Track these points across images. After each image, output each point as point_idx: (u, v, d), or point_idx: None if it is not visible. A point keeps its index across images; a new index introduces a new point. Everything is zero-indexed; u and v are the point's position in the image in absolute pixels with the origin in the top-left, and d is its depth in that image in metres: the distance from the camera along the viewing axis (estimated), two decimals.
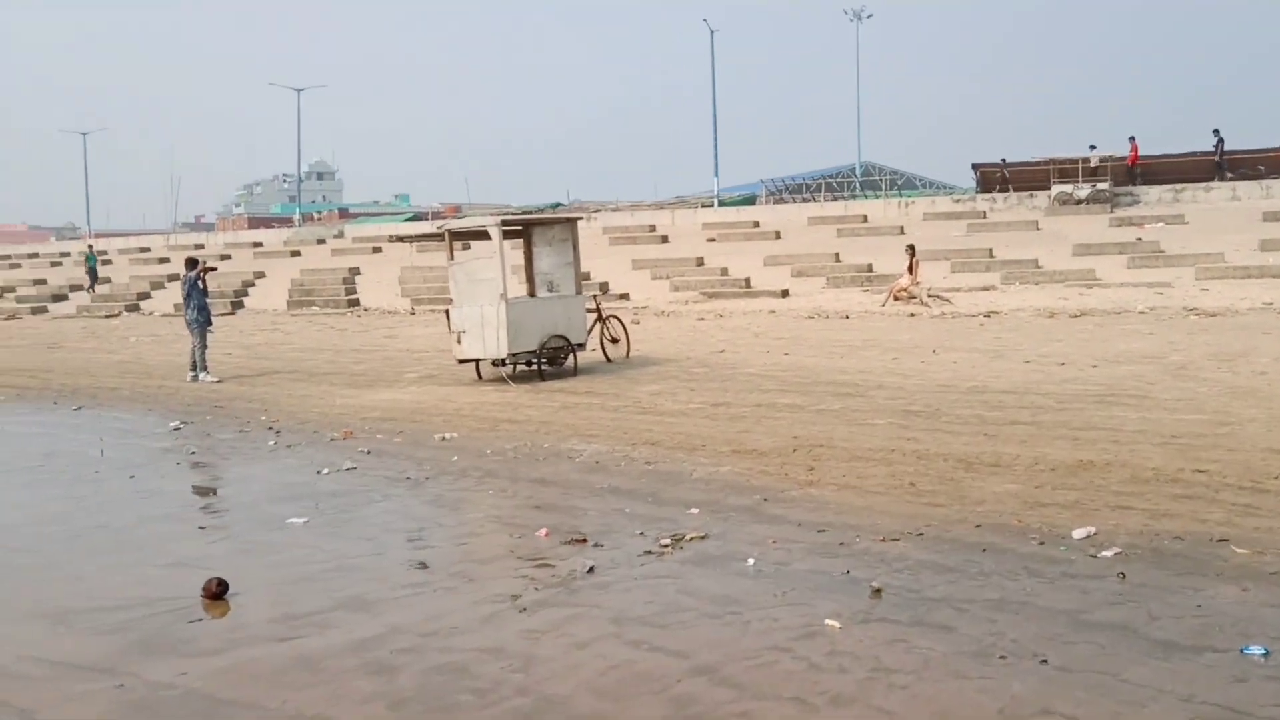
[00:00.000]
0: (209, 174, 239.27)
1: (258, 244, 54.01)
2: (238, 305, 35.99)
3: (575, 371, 15.44)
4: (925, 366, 14.47)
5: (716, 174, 58.67)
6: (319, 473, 9.54)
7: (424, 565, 6.59)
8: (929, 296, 24.05)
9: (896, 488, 8.04)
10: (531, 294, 16.34)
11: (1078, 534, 6.59)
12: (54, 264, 54.41)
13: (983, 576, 5.93)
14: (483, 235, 14.93)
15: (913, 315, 22.38)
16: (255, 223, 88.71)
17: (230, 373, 17.79)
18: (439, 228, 16.50)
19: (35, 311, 38.99)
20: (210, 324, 17.12)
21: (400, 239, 19.10)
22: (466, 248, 19.83)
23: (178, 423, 12.71)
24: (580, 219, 16.54)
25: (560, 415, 12.08)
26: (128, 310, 37.24)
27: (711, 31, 57.92)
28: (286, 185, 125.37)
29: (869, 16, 68.49)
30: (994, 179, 43.40)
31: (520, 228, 16.36)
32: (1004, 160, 43.35)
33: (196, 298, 16.89)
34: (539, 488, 8.62)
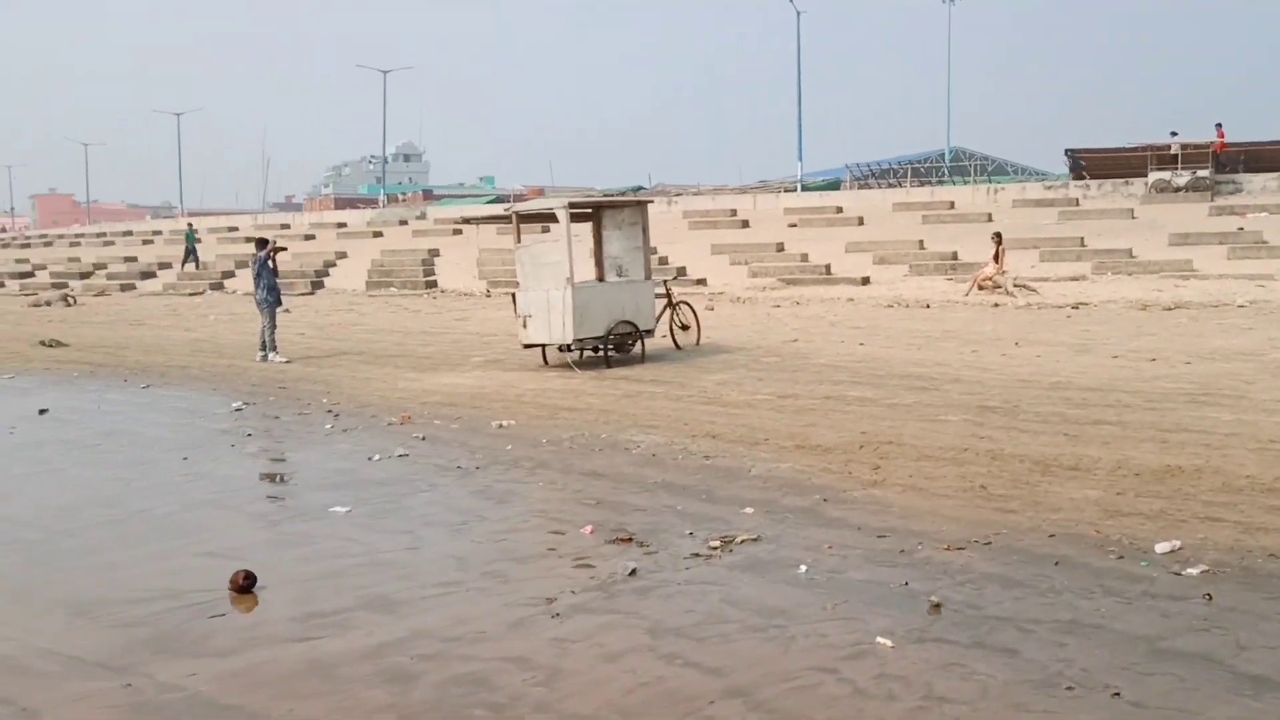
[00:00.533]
0: (301, 156, 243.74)
1: (341, 225, 54.58)
2: (318, 285, 36.35)
3: (643, 359, 15.11)
4: (1006, 360, 13.84)
5: (800, 158, 57.68)
6: (370, 459, 9.35)
7: (460, 562, 6.31)
8: (1015, 286, 23.22)
9: (966, 490, 7.56)
10: (600, 278, 16.03)
11: (1161, 548, 6.07)
12: (145, 242, 55.70)
13: (1053, 594, 5.46)
14: (551, 218, 14.63)
15: (997, 305, 21.61)
16: (341, 203, 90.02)
17: (300, 353, 17.81)
18: (506, 209, 16.28)
19: (124, 288, 39.86)
20: (280, 304, 17.14)
21: (468, 221, 18.93)
22: (547, 230, 19.61)
23: (240, 403, 12.67)
24: (651, 202, 16.17)
25: (622, 404, 11.76)
26: (212, 288, 37.87)
27: (798, 12, 56.95)
28: (373, 167, 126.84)
29: None
30: (1088, 166, 42.01)
31: (590, 210, 16.05)
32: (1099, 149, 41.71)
33: (266, 277, 16.91)
34: (590, 481, 8.30)
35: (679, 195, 54.00)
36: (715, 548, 6.43)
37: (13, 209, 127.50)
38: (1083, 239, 29.85)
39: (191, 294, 36.02)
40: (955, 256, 29.55)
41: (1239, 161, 39.85)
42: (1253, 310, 18.85)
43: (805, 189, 53.60)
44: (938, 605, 5.32)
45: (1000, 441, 9.06)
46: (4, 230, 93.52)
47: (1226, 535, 6.29)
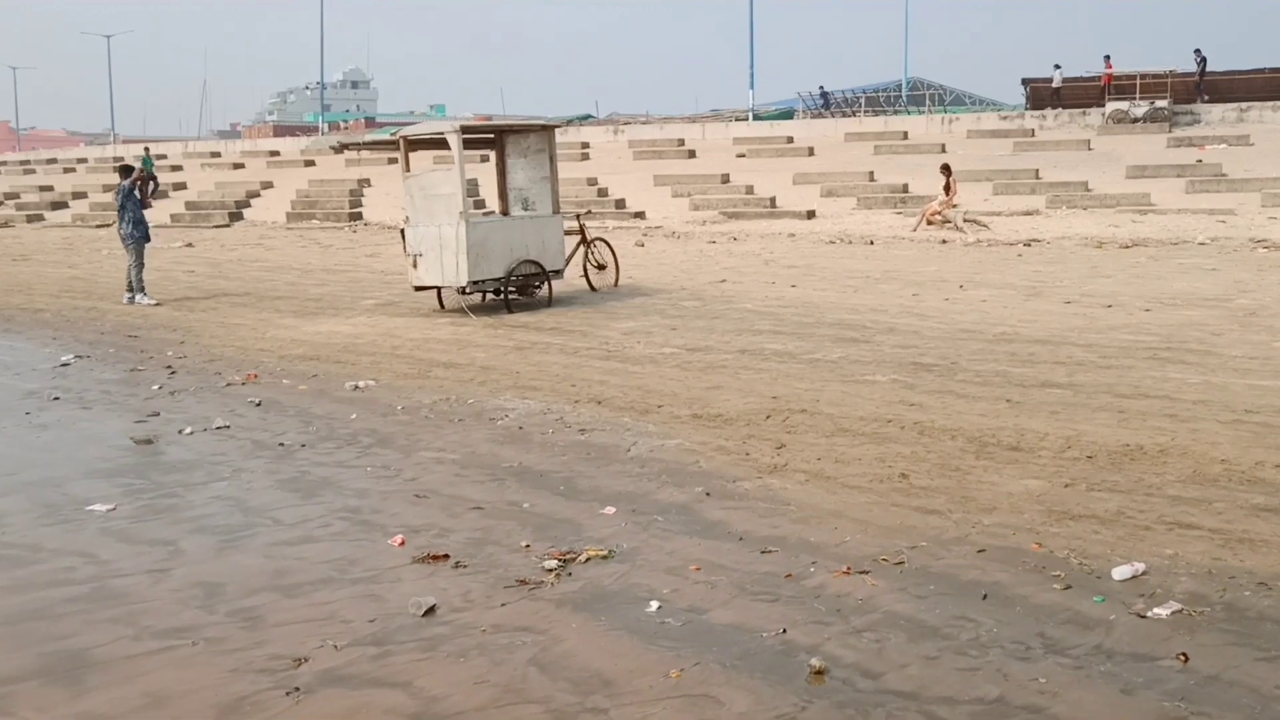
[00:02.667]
0: (247, 82, 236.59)
1: (274, 153, 52.05)
2: (236, 217, 34.26)
3: (549, 303, 13.56)
4: (948, 306, 12.43)
5: (752, 86, 55.73)
6: (180, 432, 7.79)
7: (211, 592, 4.81)
8: (964, 221, 21.81)
9: (883, 480, 6.14)
10: (505, 212, 14.40)
11: (1120, 573, 4.68)
12: (67, 170, 52.95)
13: (978, 650, 4.05)
14: (444, 144, 12.93)
15: (944, 242, 20.22)
16: (281, 131, 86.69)
17: (179, 294, 16.11)
18: (392, 134, 14.56)
19: (31, 219, 37.51)
20: (149, 239, 15.34)
21: (347, 147, 17.12)
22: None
23: (71, 357, 11.01)
24: (558, 126, 14.51)
25: (509, 359, 10.25)
26: None
27: None
28: (319, 94, 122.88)
29: None
30: (1044, 95, 40.52)
31: (492, 136, 14.33)
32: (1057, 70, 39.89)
33: (132, 209, 15.08)
34: (432, 465, 6.80)
35: (626, 124, 52.04)
36: (551, 569, 4.97)
37: None
38: (1037, 171, 28.48)
39: (98, 225, 33.79)
40: (906, 189, 28.09)
41: (1215, 92, 38.74)
42: (1214, 249, 17.57)
43: (757, 118, 51.75)
44: (820, 671, 3.90)
45: (931, 410, 7.65)
46: None
47: (1202, 551, 4.91)
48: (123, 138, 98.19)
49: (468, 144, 14.40)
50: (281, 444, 7.38)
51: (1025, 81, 42.88)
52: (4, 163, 63.15)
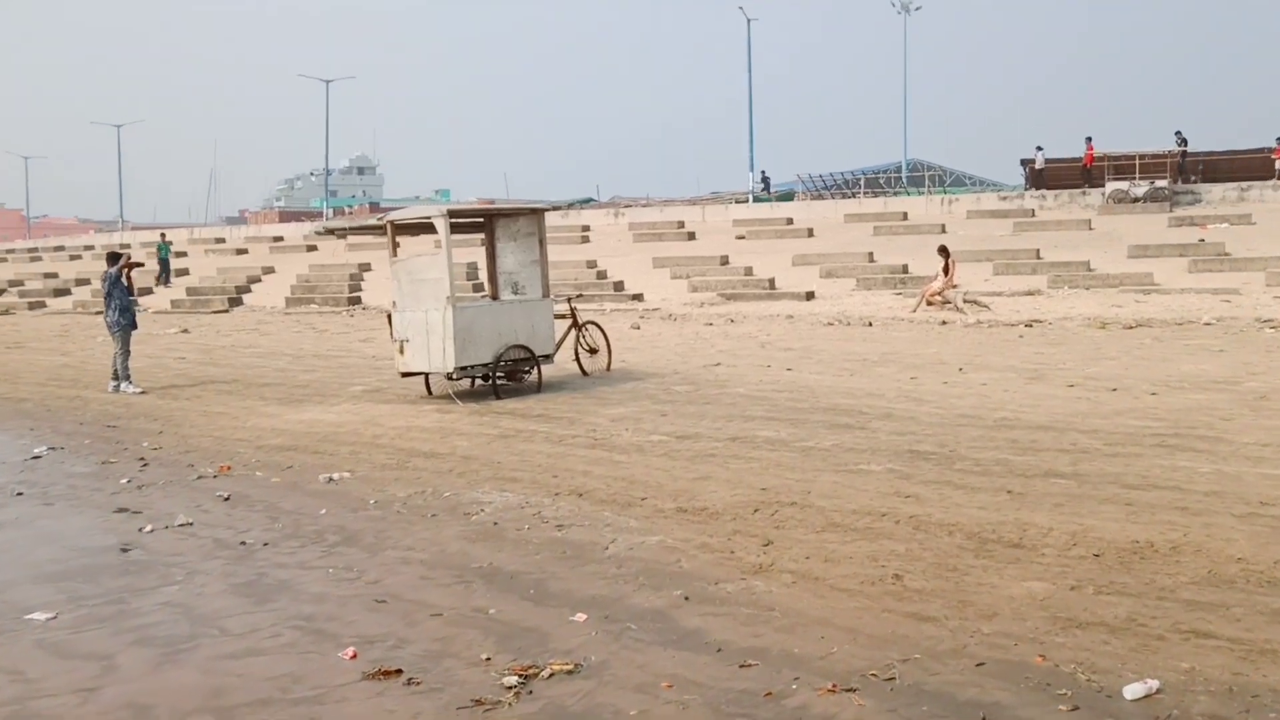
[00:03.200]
0: (258, 168, 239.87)
1: (278, 238, 52.30)
2: (235, 303, 34.17)
3: (539, 388, 13.24)
4: (947, 389, 12.09)
5: (752, 168, 56.22)
6: (141, 530, 7.42)
7: (138, 716, 4.41)
8: (965, 302, 21.57)
9: (875, 582, 5.74)
10: (495, 296, 14.16)
11: (1131, 692, 4.27)
12: (73, 257, 53.24)
13: None
14: (432, 229, 12.74)
15: (944, 323, 19.94)
16: (287, 217, 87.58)
17: (166, 381, 15.82)
18: (379, 219, 14.39)
19: (33, 306, 37.50)
20: (135, 326, 15.11)
21: (331, 232, 16.96)
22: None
23: (44, 448, 10.69)
24: (548, 209, 14.33)
25: (492, 448, 9.90)
26: None
27: (749, 20, 55.60)
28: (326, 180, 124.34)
29: (917, 8, 65.51)
30: (1042, 176, 40.67)
31: (481, 220, 14.15)
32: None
33: (119, 297, 14.89)
34: (397, 566, 6.41)
35: (627, 207, 52.29)
36: (510, 687, 4.56)
37: None
38: (1038, 251, 28.39)
39: (96, 312, 33.68)
40: (905, 270, 27.98)
41: (1197, 172, 38.98)
42: (1220, 329, 17.26)
43: (757, 200, 52.00)
44: None
45: (928, 503, 7.27)
46: None
47: (1221, 665, 4.51)
48: (132, 225, 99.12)
49: (457, 228, 14.25)
50: (243, 542, 7.01)
51: (1024, 162, 43.11)
52: (12, 250, 63.60)
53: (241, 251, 46.95)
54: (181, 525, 7.49)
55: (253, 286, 37.06)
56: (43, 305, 37.97)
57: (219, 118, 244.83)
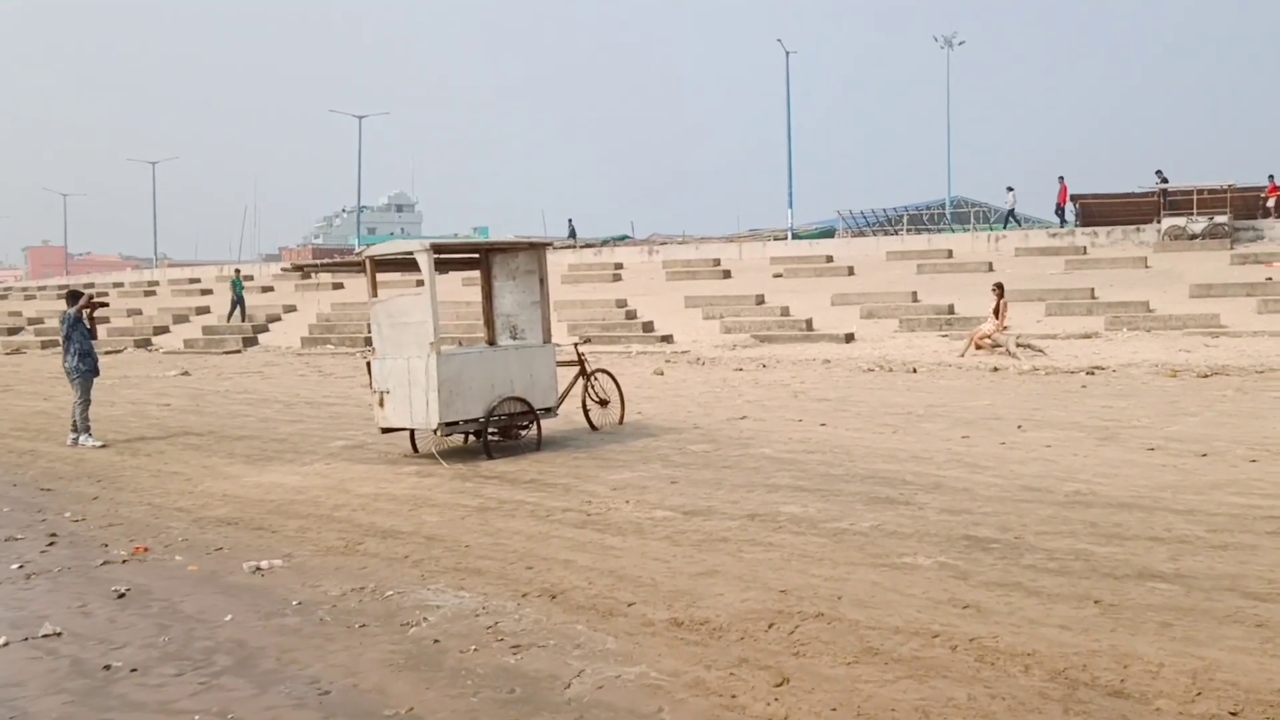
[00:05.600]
0: (298, 206, 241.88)
1: (306, 276, 51.34)
2: (250, 343, 33.04)
3: (538, 446, 11.69)
4: (1006, 452, 10.40)
5: (791, 204, 54.62)
6: None
7: None
8: (1017, 346, 19.81)
9: None
10: (491, 341, 12.66)
11: None
12: (100, 294, 52.62)
13: None
14: (414, 265, 11.27)
15: (996, 370, 18.20)
16: (321, 254, 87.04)
17: (136, 432, 14.45)
18: (357, 254, 12.98)
19: (46, 346, 36.57)
20: (97, 373, 13.73)
21: (300, 269, 15.55)
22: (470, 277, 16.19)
23: None
24: (549, 245, 12.84)
25: (464, 524, 8.34)
26: (136, 345, 34.62)
27: (787, 53, 54.28)
28: (363, 216, 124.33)
29: (961, 43, 63.99)
30: (1093, 212, 38.95)
31: (476, 256, 12.66)
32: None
33: (79, 340, 13.51)
34: (287, 712, 4.84)
35: (662, 244, 50.88)
36: None
37: None
38: (1093, 290, 26.62)
39: (111, 351, 32.68)
40: (951, 310, 26.31)
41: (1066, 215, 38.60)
42: None
43: (797, 237, 50.44)
44: None
45: (993, 616, 5.61)
46: (3, 283, 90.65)
47: None
48: (169, 261, 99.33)
49: (451, 264, 12.81)
50: (107, 667, 5.46)
51: (1074, 198, 41.23)
52: (43, 288, 63.26)
53: (267, 289, 46.01)
54: (46, 636, 5.97)
55: (271, 325, 36.01)
56: (55, 344, 37.00)
57: (258, 155, 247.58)
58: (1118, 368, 17.61)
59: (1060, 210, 39.40)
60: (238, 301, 36.92)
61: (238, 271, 42.30)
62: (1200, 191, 36.49)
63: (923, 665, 5.02)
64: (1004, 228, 42.15)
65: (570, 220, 59.70)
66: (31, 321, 42.41)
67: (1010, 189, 42.88)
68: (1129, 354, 19.21)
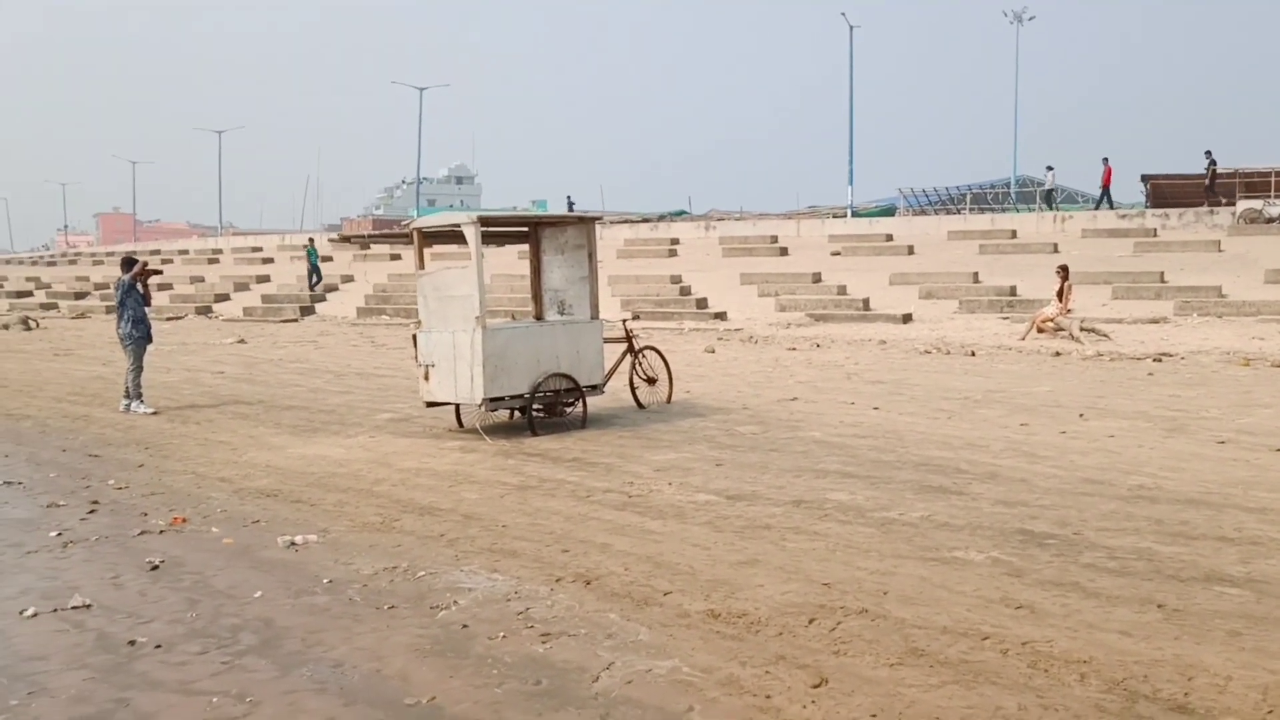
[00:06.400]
0: (362, 177, 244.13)
1: (365, 247, 51.66)
2: (308, 311, 33.25)
3: (584, 423, 11.50)
4: (1067, 442, 10.02)
5: (851, 181, 53.86)
6: (22, 613, 5.84)
7: None
8: (1081, 330, 19.24)
9: None
10: (539, 316, 12.48)
11: None
12: (165, 261, 53.36)
13: None
14: (463, 238, 11.10)
15: (1058, 354, 17.69)
16: (381, 225, 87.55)
17: (188, 400, 14.51)
18: (401, 225, 12.83)
19: (110, 311, 37.08)
20: (150, 340, 13.78)
21: (347, 239, 15.47)
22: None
23: (0, 482, 9.28)
24: (598, 219, 12.57)
25: (503, 503, 8.17)
26: (197, 312, 35.01)
27: (851, 27, 53.35)
28: (423, 188, 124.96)
29: (1031, 19, 62.52)
30: (1167, 192, 37.86)
31: (525, 230, 12.47)
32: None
33: (133, 307, 13.57)
34: (306, 698, 4.69)
35: (720, 220, 50.42)
36: None
37: (66, 226, 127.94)
38: (1163, 274, 25.78)
39: (170, 318, 33.10)
40: (1013, 292, 25.66)
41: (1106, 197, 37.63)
42: None
43: (856, 215, 49.67)
44: None
45: (1048, 619, 5.31)
46: (75, 249, 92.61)
47: None
48: (234, 229, 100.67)
49: (500, 237, 12.63)
50: (132, 642, 5.36)
51: (1145, 178, 40.20)
52: (110, 253, 64.36)
53: (326, 259, 46.25)
54: (75, 608, 5.89)
55: (328, 295, 36.18)
56: None
57: (321, 126, 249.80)
58: (1187, 355, 17.01)
59: (1105, 193, 38.45)
60: (314, 269, 36.81)
61: (311, 240, 41.26)
62: (1279, 173, 35.31)
63: (971, 670, 4.75)
64: (1050, 208, 41.43)
65: (569, 197, 59.55)
66: (98, 287, 43.08)
67: (1050, 168, 42.23)
68: (1199, 341, 18.58)
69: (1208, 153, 35.99)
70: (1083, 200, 59.79)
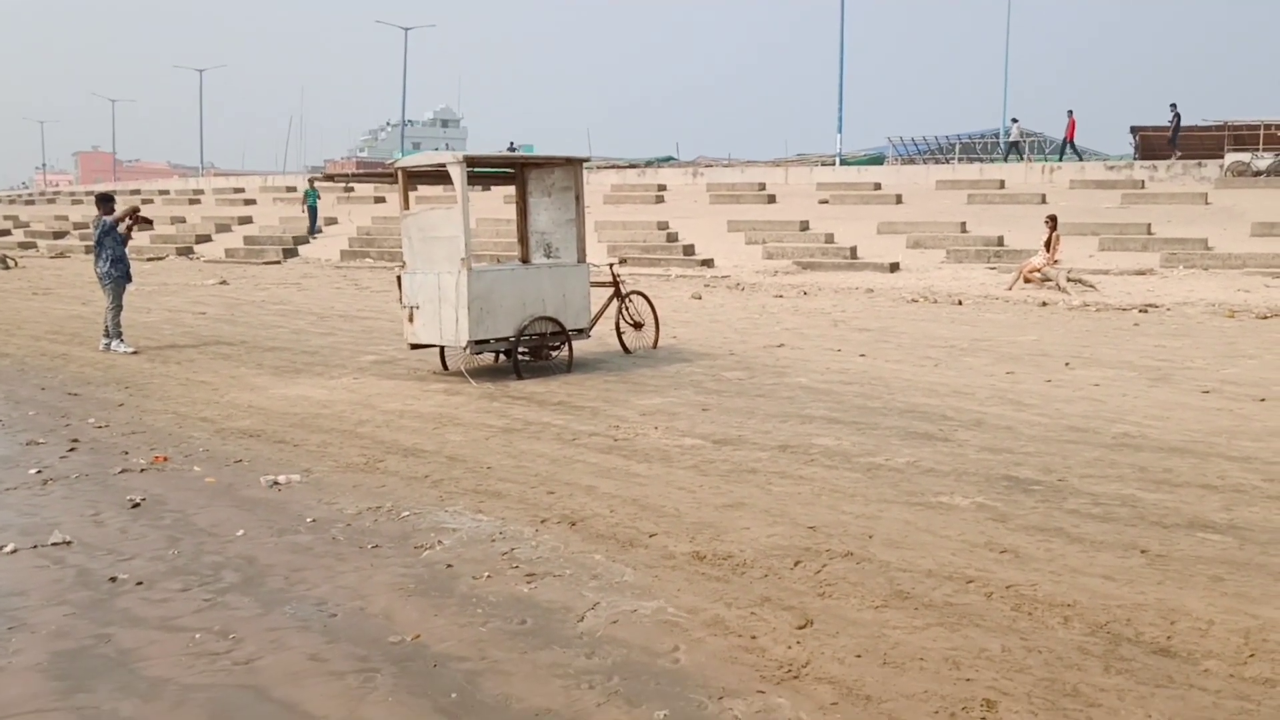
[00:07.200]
0: (344, 119, 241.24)
1: (349, 188, 51.17)
2: (291, 253, 32.97)
3: (569, 367, 11.45)
4: (1052, 390, 10.02)
5: (840, 129, 53.34)
6: (2, 550, 5.79)
7: None
8: (1068, 280, 19.24)
9: (954, 714, 3.85)
10: (525, 259, 12.37)
11: None
12: (145, 201, 52.72)
13: None
14: (447, 178, 10.95)
15: (1045, 304, 17.70)
16: (365, 167, 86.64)
17: (168, 340, 14.39)
18: (386, 165, 12.66)
19: (89, 250, 36.72)
20: (130, 279, 13.63)
21: (330, 179, 15.27)
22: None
23: None
24: (586, 160, 12.42)
25: (487, 445, 8.14)
26: (179, 253, 34.68)
27: None
28: (408, 131, 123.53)
29: None
30: (1155, 144, 37.71)
31: (512, 171, 12.31)
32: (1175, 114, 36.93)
33: (111, 246, 13.40)
34: (289, 635, 4.67)
35: (708, 167, 50.07)
36: None
37: (44, 165, 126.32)
38: (1149, 226, 25.73)
39: (152, 258, 32.78)
40: (1001, 242, 25.59)
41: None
42: None
43: (845, 164, 49.38)
44: None
45: (1032, 563, 5.32)
46: (55, 187, 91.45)
47: None
48: (215, 170, 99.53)
49: (487, 178, 12.49)
50: (113, 579, 5.32)
51: (1134, 130, 40.03)
52: (90, 193, 63.61)
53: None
54: (56, 545, 5.85)
55: (311, 237, 35.84)
56: None
57: (305, 66, 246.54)
58: (1173, 306, 17.04)
59: (1068, 145, 38.67)
60: (311, 213, 35.90)
61: (311, 182, 38.43)
62: (1268, 126, 35.23)
63: (955, 612, 4.75)
64: (1004, 160, 41.55)
65: (511, 142, 58.88)
66: (77, 226, 42.61)
67: (1015, 120, 42.29)
68: (1185, 292, 18.60)
69: (1172, 105, 35.97)
70: (1048, 153, 59.70)
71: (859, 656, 4.34)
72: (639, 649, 4.45)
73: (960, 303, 18.23)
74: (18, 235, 43.50)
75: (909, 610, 4.80)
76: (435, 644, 4.52)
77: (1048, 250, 20.06)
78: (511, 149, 56.77)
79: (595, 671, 4.24)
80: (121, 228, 13.40)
